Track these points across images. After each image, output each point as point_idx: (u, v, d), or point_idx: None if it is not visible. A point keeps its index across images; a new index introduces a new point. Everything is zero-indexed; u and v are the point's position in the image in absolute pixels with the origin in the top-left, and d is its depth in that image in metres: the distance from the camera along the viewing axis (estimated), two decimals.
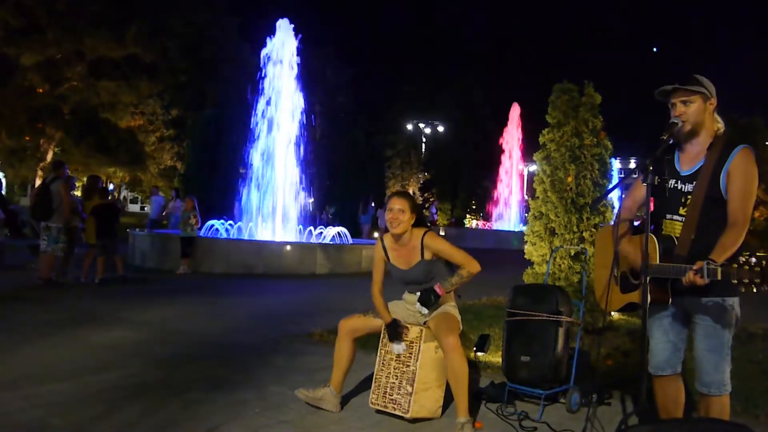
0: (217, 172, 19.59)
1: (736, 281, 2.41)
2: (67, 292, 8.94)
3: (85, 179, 23.13)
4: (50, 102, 27.36)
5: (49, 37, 24.99)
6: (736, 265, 2.42)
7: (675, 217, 2.91)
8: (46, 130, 28.23)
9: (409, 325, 3.83)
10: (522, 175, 31.65)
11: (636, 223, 3.13)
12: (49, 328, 6.29)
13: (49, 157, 28.03)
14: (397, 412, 3.69)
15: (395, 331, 3.77)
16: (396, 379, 3.73)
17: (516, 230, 25.74)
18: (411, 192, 43.42)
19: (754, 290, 2.40)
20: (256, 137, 15.02)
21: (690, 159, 2.93)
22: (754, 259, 2.39)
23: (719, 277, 2.48)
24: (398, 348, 3.74)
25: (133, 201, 55.29)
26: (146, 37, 26.87)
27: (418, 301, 3.71)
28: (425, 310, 3.70)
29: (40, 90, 27.29)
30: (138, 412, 3.78)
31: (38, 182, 22.96)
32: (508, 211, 30.46)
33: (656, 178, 2.73)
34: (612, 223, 3.29)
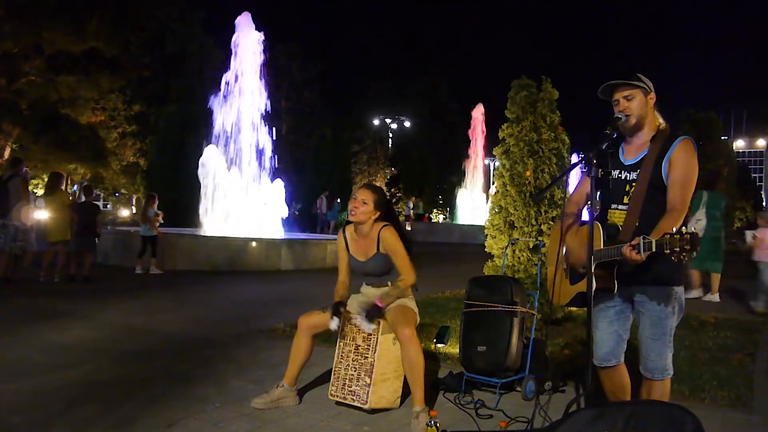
0: (180, 168, 19.33)
1: (668, 251, 2.51)
2: (25, 290, 8.79)
3: (45, 177, 22.65)
4: (7, 97, 26.61)
5: (5, 29, 24.33)
6: (668, 235, 2.52)
7: (620, 206, 3.01)
8: (3, 126, 27.46)
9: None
10: (486, 170, 31.89)
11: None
12: (7, 326, 6.19)
13: (7, 153, 27.31)
14: (355, 404, 3.74)
15: (337, 309, 3.82)
16: (354, 371, 3.79)
17: (481, 225, 25.89)
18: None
19: (685, 258, 2.50)
20: (220, 133, 14.89)
21: (634, 150, 3.04)
22: (684, 229, 2.50)
23: (654, 249, 2.58)
24: (333, 323, 3.77)
25: (95, 199, 54.21)
26: (107, 30, 26.32)
27: (363, 316, 3.75)
28: (370, 327, 3.74)
29: None
30: (98, 409, 3.77)
31: None
32: (474, 205, 30.67)
33: (599, 171, 2.83)
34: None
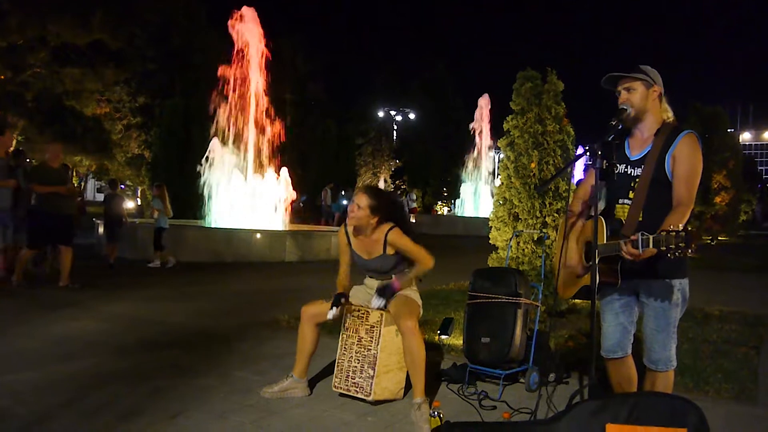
0: (185, 160, 19.30)
1: (664, 248, 2.49)
2: (29, 282, 8.81)
3: None
4: (12, 89, 26.65)
5: (11, 22, 24.33)
6: (664, 233, 2.50)
7: (625, 201, 3.00)
8: (9, 118, 27.54)
9: (370, 310, 3.89)
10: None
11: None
12: (12, 317, 6.22)
13: (12, 145, 27.34)
14: (359, 396, 3.75)
15: (337, 299, 3.82)
16: (358, 363, 3.80)
17: (485, 217, 25.75)
18: (382, 180, 43.51)
19: (681, 255, 2.48)
20: (224, 125, 14.87)
21: (639, 144, 3.03)
22: (680, 226, 2.48)
23: (651, 246, 2.56)
24: (331, 313, 3.76)
25: (101, 190, 54.36)
26: (112, 23, 26.30)
27: (375, 292, 3.77)
28: (380, 303, 3.75)
29: (2, 77, 26.56)
30: (103, 399, 3.79)
31: None
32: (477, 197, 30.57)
33: (604, 162, 2.82)
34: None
